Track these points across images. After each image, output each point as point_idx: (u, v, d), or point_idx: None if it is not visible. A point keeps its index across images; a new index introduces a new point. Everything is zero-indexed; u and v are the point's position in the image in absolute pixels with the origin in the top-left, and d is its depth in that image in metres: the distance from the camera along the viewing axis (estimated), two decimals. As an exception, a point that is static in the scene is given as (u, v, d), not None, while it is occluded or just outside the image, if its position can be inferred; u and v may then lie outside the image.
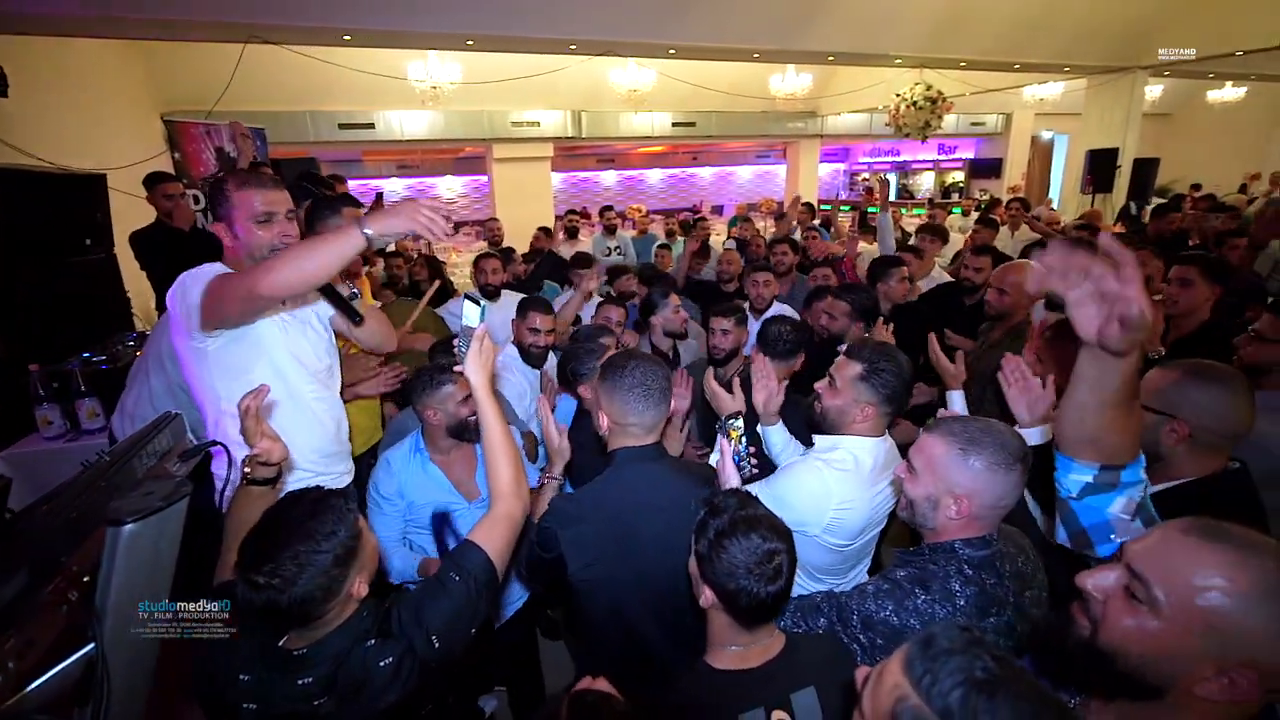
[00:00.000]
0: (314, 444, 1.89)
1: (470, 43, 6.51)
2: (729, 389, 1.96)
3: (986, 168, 14.12)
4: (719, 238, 7.17)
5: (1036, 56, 8.10)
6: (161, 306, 3.14)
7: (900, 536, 2.19)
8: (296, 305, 1.90)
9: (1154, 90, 11.13)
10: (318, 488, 1.18)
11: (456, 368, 1.47)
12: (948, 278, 4.15)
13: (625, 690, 1.01)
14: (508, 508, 1.38)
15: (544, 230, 5.99)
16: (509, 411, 2.55)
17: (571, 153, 13.72)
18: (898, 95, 8.34)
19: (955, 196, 13.98)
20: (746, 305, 3.37)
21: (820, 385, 1.76)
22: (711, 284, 4.54)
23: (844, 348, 2.79)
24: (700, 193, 15.52)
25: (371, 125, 9.43)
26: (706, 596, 1.16)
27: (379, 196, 4.13)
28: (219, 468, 1.64)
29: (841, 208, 11.88)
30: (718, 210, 13.90)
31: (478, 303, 1.48)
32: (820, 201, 13.54)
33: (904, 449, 1.56)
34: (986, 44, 7.80)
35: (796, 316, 3.10)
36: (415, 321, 3.06)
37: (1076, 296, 0.93)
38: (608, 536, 1.49)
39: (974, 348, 2.88)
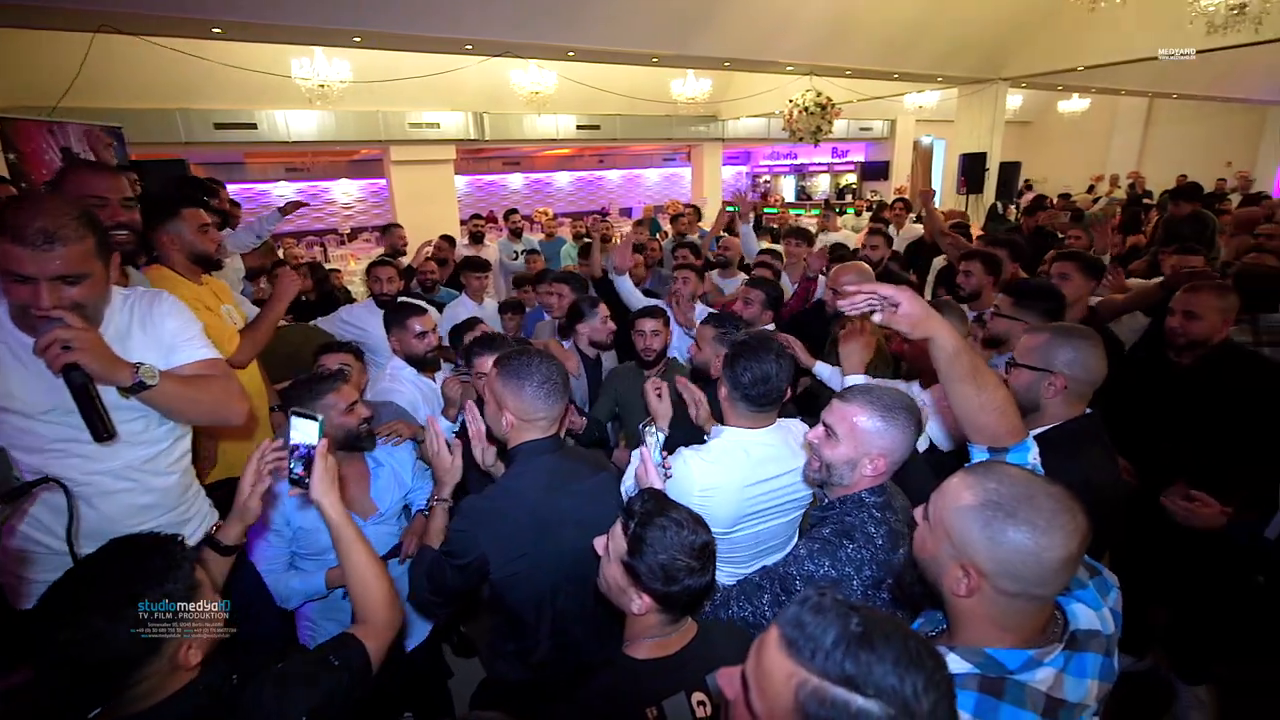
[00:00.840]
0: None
1: (358, 40, 6.21)
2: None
3: (876, 170, 15.05)
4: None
5: (912, 67, 8.72)
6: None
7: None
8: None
9: (1015, 100, 12.29)
10: (152, 533, 1.06)
11: (295, 492, 1.31)
12: None
13: (552, 689, 1.01)
14: (389, 618, 1.28)
15: (447, 239, 5.75)
16: (410, 419, 2.44)
17: (475, 155, 13.40)
18: (791, 101, 8.71)
19: (849, 198, 14.79)
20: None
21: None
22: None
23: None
24: (608, 195, 15.57)
25: (253, 125, 8.77)
26: (642, 603, 1.16)
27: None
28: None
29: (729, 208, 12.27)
30: (626, 212, 14.00)
31: (313, 418, 1.30)
32: (725, 203, 13.93)
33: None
34: (868, 54, 8.32)
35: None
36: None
37: (846, 305, 1.28)
38: (528, 527, 1.51)
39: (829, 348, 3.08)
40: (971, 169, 9.46)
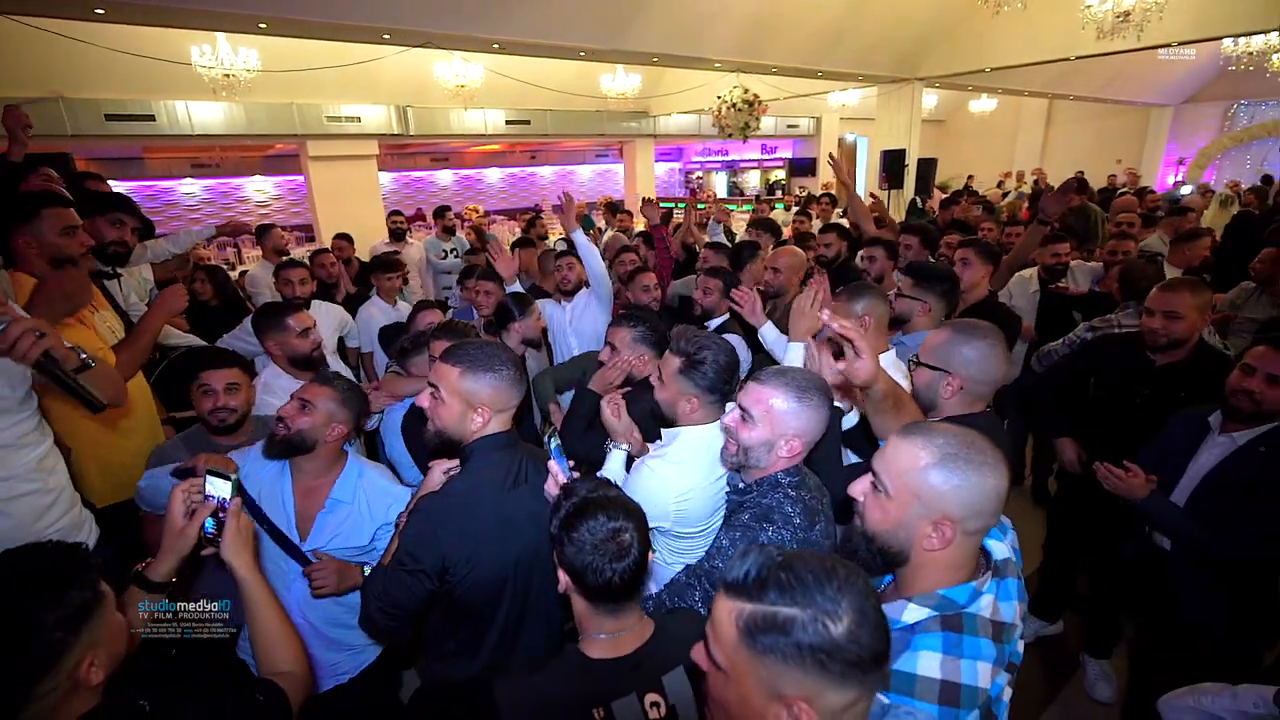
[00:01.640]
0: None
1: (263, 26, 5.84)
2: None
3: (804, 167, 15.48)
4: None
5: (834, 65, 8.99)
6: None
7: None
8: None
9: (930, 100, 12.88)
10: (55, 541, 0.99)
11: (207, 551, 1.27)
12: None
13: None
14: (303, 673, 1.24)
15: (344, 237, 5.36)
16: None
17: (400, 151, 12.94)
18: (720, 98, 8.82)
19: (779, 193, 15.15)
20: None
21: (654, 379, 1.78)
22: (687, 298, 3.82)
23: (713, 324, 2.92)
24: (541, 192, 15.38)
25: (150, 117, 8.10)
26: (561, 578, 1.18)
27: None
28: None
29: (678, 205, 12.38)
30: (559, 209, 13.82)
31: (226, 477, 1.29)
32: (659, 199, 13.99)
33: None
34: (792, 52, 8.51)
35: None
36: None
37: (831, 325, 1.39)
38: (490, 524, 1.48)
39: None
40: (892, 165, 9.85)
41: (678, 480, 1.63)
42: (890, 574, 1.15)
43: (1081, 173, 9.57)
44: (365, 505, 1.84)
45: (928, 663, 0.99)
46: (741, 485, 1.49)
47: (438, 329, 2.34)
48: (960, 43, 9.11)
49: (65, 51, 6.15)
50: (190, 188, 11.56)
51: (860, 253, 3.62)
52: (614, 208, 8.09)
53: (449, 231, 6.15)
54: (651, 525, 1.67)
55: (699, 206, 5.81)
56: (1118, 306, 3.09)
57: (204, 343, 3.11)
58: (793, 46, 8.40)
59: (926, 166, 10.17)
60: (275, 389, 2.40)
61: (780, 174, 16.13)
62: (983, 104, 14.28)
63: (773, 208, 11.41)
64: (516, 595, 1.54)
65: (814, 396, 1.41)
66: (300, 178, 10.88)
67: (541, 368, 3.10)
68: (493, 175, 15.04)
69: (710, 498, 1.67)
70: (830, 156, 4.98)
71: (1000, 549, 1.15)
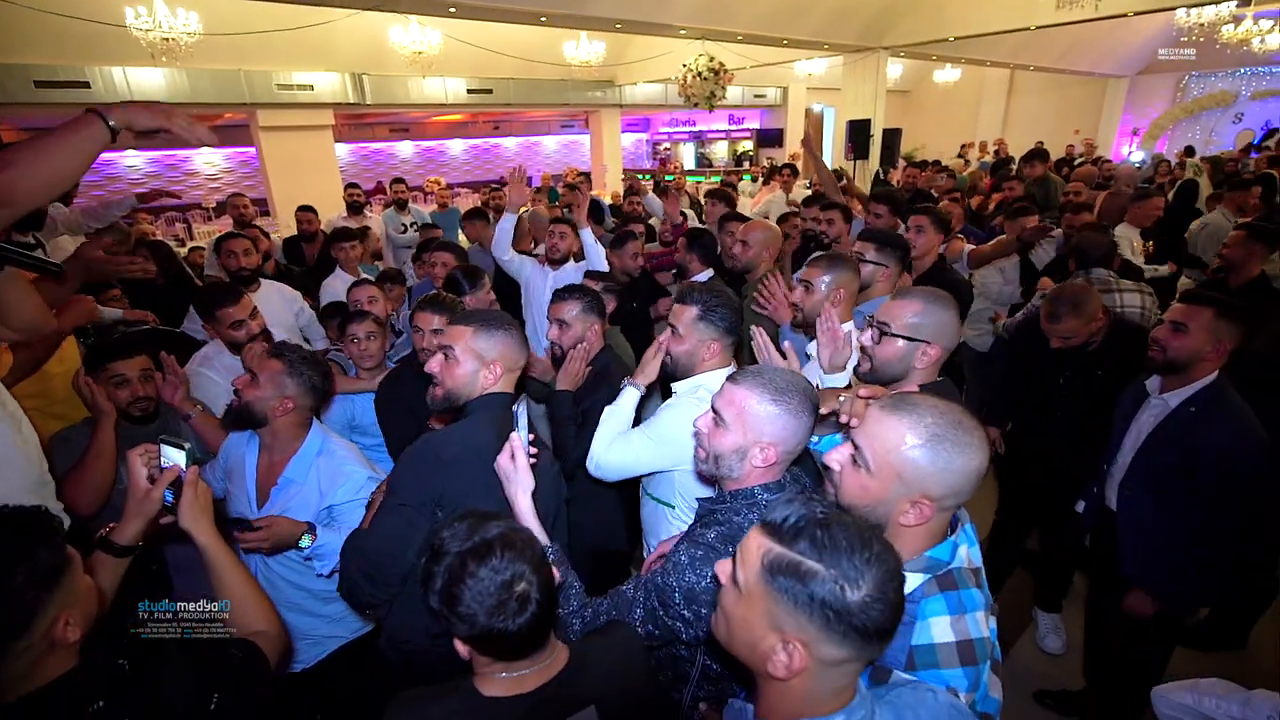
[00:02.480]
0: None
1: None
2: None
3: (771, 137, 15.41)
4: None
5: (799, 33, 8.91)
6: None
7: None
8: None
9: (895, 70, 12.90)
10: (16, 506, 0.99)
11: (165, 520, 1.28)
12: None
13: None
14: (276, 632, 1.26)
15: (307, 209, 5.16)
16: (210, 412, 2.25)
17: (358, 121, 12.50)
18: (685, 66, 8.69)
19: (747, 164, 15.09)
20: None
21: (663, 337, 1.84)
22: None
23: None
24: (506, 164, 15.06)
25: (85, 84, 7.63)
26: (460, 648, 1.03)
27: None
28: None
29: (643, 176, 12.28)
30: (525, 182, 13.55)
31: (181, 446, 1.28)
32: (626, 171, 13.86)
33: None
34: (757, 20, 8.40)
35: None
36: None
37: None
38: (479, 473, 1.46)
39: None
40: (857, 135, 9.87)
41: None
42: None
43: (1041, 143, 9.73)
44: (316, 485, 1.81)
45: (940, 629, 1.01)
46: (714, 494, 1.37)
47: (422, 302, 2.30)
48: (924, 11, 9.10)
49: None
50: (134, 160, 11.02)
51: (820, 215, 3.71)
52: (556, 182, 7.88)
53: (401, 205, 5.99)
54: (676, 466, 1.74)
55: (668, 178, 5.80)
56: (1071, 275, 3.18)
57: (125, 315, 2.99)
58: (757, 14, 8.28)
59: (891, 137, 10.22)
60: (214, 364, 2.37)
61: (748, 145, 16.04)
62: (947, 74, 14.34)
63: (740, 178, 11.39)
64: None
65: (793, 399, 1.26)
66: (252, 149, 10.44)
67: None
68: (456, 147, 14.65)
69: None
70: (805, 137, 5.11)
71: None
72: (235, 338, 2.35)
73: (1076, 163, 10.34)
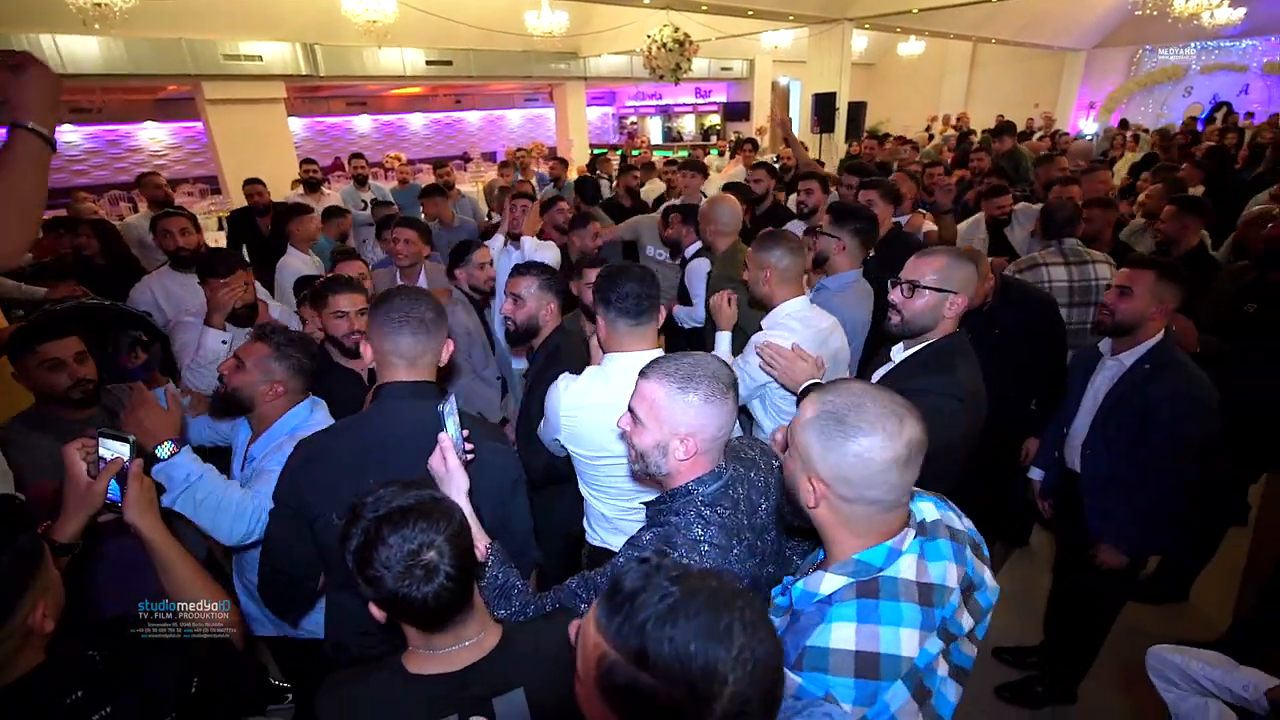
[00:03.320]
0: None
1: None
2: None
3: (738, 111, 15.30)
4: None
5: (764, 4, 8.81)
6: None
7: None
8: None
9: (860, 43, 12.89)
10: None
11: (107, 517, 1.24)
12: None
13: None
14: (235, 618, 1.25)
15: (256, 182, 4.95)
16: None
17: (312, 94, 12.02)
18: (649, 37, 8.53)
19: (714, 138, 14.99)
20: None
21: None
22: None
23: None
24: (469, 139, 14.71)
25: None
26: (375, 611, 1.02)
27: None
28: None
29: (602, 151, 12.09)
30: (489, 157, 13.30)
31: (124, 439, 1.25)
32: (593, 146, 13.65)
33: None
34: (722, -12, 8.28)
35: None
36: None
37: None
38: (354, 469, 1.39)
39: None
40: (823, 108, 9.86)
41: (572, 395, 1.76)
42: (821, 549, 1.13)
43: (1002, 117, 9.87)
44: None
45: (841, 634, 0.96)
46: (657, 498, 1.32)
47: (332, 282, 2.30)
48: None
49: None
50: (71, 136, 10.43)
51: (799, 185, 3.76)
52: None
53: (360, 181, 5.81)
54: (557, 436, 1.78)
55: (634, 153, 5.75)
56: (1043, 246, 3.23)
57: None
58: (723, -18, 8.17)
59: (857, 110, 10.24)
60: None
61: (716, 118, 15.91)
62: (911, 46, 14.39)
63: (708, 153, 11.32)
64: None
65: (700, 385, 1.19)
66: (199, 124, 9.96)
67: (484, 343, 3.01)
68: (416, 121, 14.20)
69: (603, 427, 1.67)
70: (782, 120, 5.27)
71: (929, 510, 1.09)
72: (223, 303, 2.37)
73: (1036, 136, 10.53)
